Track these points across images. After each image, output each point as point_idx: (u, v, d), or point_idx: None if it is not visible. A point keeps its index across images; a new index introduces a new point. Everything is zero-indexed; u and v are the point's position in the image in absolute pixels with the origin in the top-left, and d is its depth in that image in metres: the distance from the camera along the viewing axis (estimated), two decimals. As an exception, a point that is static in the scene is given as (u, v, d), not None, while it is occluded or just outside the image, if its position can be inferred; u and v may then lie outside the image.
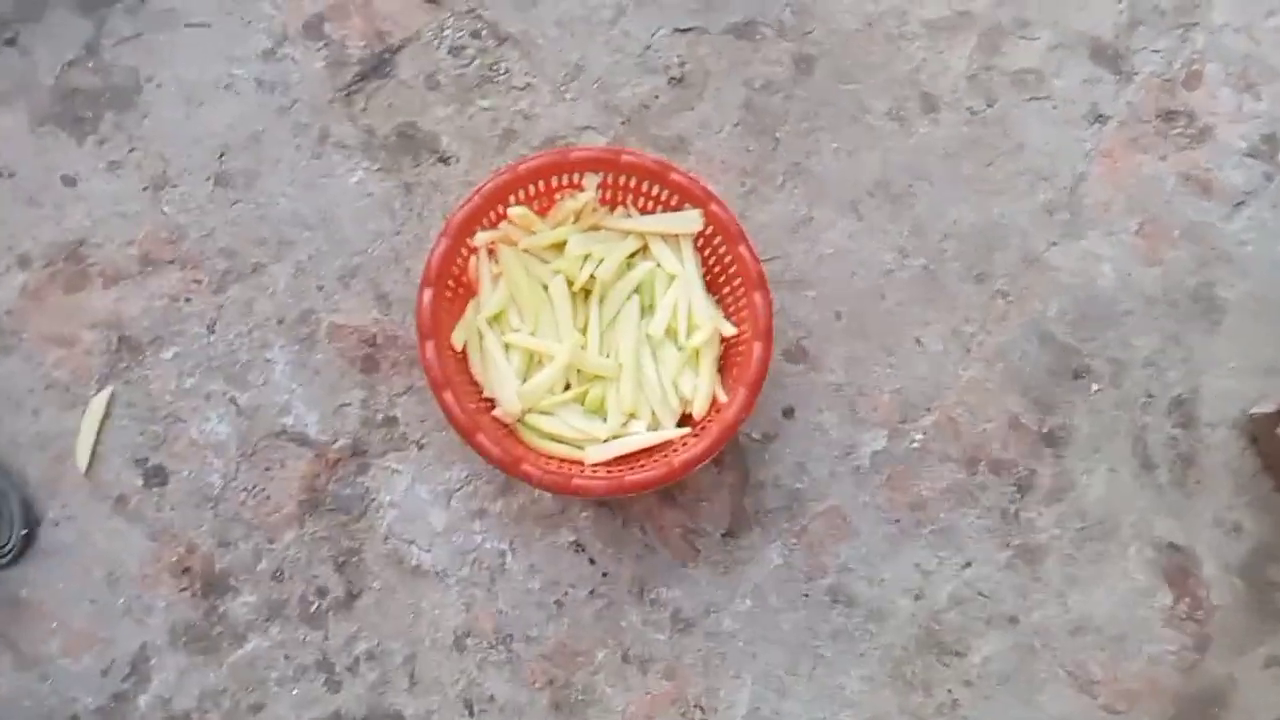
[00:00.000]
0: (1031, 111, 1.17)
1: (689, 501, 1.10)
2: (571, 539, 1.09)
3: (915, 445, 1.12)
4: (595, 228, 1.07)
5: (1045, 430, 1.12)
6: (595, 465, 1.03)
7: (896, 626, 1.09)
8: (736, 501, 1.10)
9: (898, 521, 1.11)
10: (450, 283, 1.03)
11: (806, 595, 1.09)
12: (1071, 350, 1.14)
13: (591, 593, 1.08)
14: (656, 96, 1.16)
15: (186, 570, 1.07)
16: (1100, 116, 1.17)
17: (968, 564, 1.10)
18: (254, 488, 1.08)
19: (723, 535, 1.10)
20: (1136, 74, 1.18)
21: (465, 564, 1.08)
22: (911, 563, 1.10)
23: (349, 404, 1.10)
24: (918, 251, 1.15)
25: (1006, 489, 1.11)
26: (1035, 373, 1.13)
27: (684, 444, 1.02)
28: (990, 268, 1.15)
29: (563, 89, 1.16)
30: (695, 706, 1.07)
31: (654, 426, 1.05)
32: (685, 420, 1.05)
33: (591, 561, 1.09)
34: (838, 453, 1.11)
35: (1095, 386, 1.13)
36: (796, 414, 1.12)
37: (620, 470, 1.01)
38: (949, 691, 1.08)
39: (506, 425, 1.04)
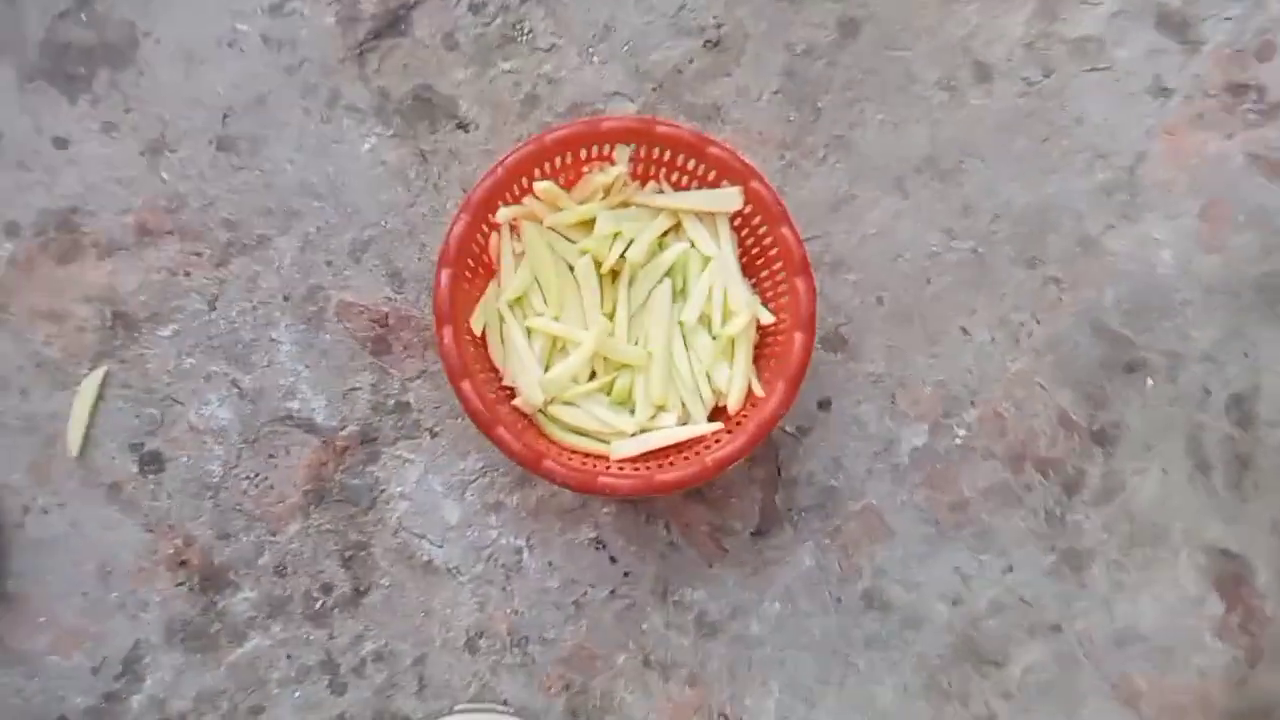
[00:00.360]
0: (1091, 83, 1.07)
1: (717, 498, 1.02)
2: (592, 535, 1.01)
3: (958, 442, 1.03)
4: (625, 204, 0.98)
5: (1096, 427, 1.04)
6: (621, 460, 0.95)
7: (933, 634, 1.01)
8: (767, 498, 1.02)
9: (937, 522, 1.02)
10: (469, 261, 0.94)
11: (839, 599, 1.01)
12: (1126, 342, 1.05)
13: (612, 593, 1.01)
14: (691, 60, 1.06)
15: (184, 563, 0.99)
16: (1164, 90, 1.07)
17: (1010, 568, 1.02)
18: (256, 476, 1.00)
19: (752, 534, 1.02)
20: (1204, 44, 1.08)
21: (479, 561, 1.01)
22: (951, 566, 1.02)
23: (358, 388, 1.01)
24: (966, 233, 1.05)
25: (1053, 489, 1.03)
26: (1087, 366, 1.04)
27: (717, 440, 0.93)
28: (1043, 252, 1.05)
29: (590, 51, 1.06)
30: (720, 715, 0.99)
31: (684, 420, 0.96)
32: (717, 414, 0.97)
33: (613, 560, 1.01)
34: (876, 448, 1.03)
35: (1150, 381, 1.04)
36: (833, 406, 1.03)
37: (648, 467, 0.93)
38: (986, 704, 1.01)
39: (527, 416, 0.96)
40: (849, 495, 1.03)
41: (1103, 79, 1.08)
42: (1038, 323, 1.05)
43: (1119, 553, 1.03)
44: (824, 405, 1.03)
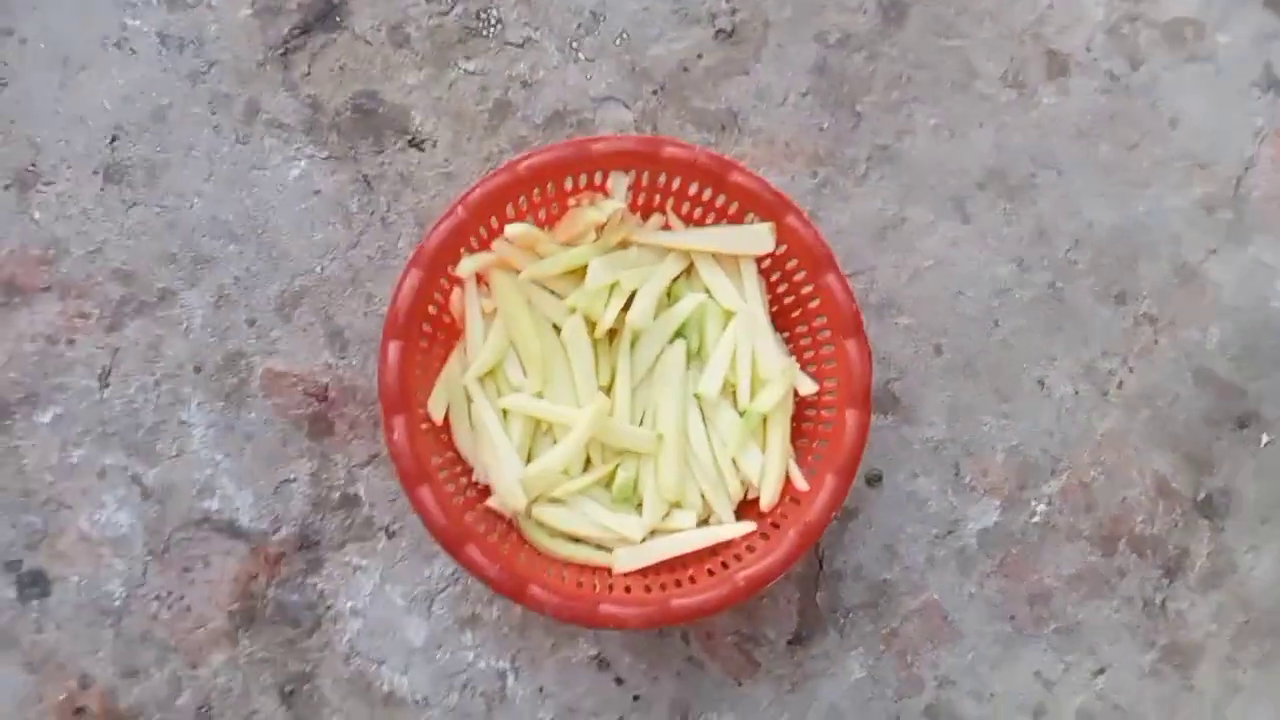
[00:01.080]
0: (1187, 77, 0.84)
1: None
2: (593, 653, 0.79)
3: (1036, 520, 0.82)
4: (624, 244, 0.74)
5: (1201, 496, 0.82)
6: (627, 574, 0.72)
7: (1012, 756, 0.81)
8: (806, 597, 0.80)
9: (1013, 618, 0.81)
10: (425, 327, 0.71)
11: (897, 717, 0.80)
12: (1235, 391, 0.83)
13: None
14: (699, 56, 0.82)
15: (80, 710, 0.76)
16: (1275, 83, 0.84)
17: (1101, 670, 0.81)
18: (169, 596, 0.77)
19: (788, 642, 0.80)
20: (1324, 24, 0.86)
21: (453, 689, 0.78)
22: (1030, 671, 0.81)
23: (293, 479, 0.78)
24: (1041, 264, 0.83)
25: (1152, 574, 0.82)
26: (1190, 421, 0.83)
27: (748, 547, 0.71)
28: (1133, 285, 0.83)
29: (574, 46, 0.82)
30: None
31: (706, 519, 0.74)
32: (747, 508, 0.74)
33: (619, 681, 0.79)
34: (937, 531, 0.81)
35: (1265, 438, 0.83)
36: (885, 481, 0.81)
37: (663, 585, 0.70)
38: (1079, 840, 0.80)
39: (506, 519, 0.73)
40: (906, 590, 0.81)
41: (1202, 71, 0.85)
42: (1130, 371, 0.82)
43: (1232, 647, 0.82)
44: (873, 481, 0.81)
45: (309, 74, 0.81)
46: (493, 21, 0.82)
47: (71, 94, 0.80)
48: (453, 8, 0.82)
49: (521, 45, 0.82)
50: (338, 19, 0.81)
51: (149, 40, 0.80)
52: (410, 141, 0.81)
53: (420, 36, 0.82)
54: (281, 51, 0.81)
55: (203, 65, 0.80)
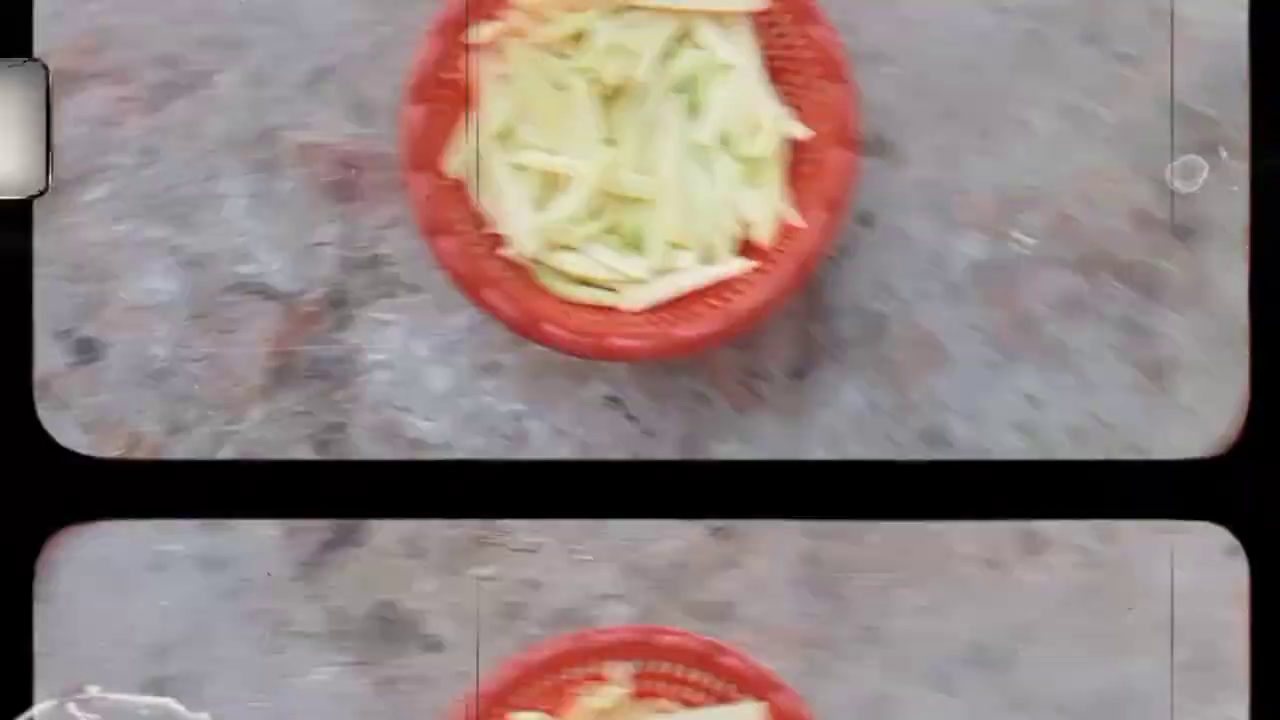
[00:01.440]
0: None
1: (746, 337, 0.99)
2: (606, 393, 1.00)
3: (1022, 251, 1.02)
4: (626, 7, 0.92)
5: (1177, 221, 1.02)
6: (635, 312, 0.93)
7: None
8: (805, 333, 1.01)
9: (1001, 344, 1.02)
10: (444, 93, 0.90)
11: (892, 438, 1.03)
12: (1209, 122, 1.02)
13: (633, 456, 1.01)
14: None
15: (133, 462, 0.93)
16: None
17: (1087, 389, 1.03)
18: (209, 356, 0.99)
19: (790, 375, 1.01)
20: None
21: (476, 432, 1.00)
22: (1021, 392, 1.02)
23: (323, 243, 0.98)
24: (1022, 8, 1.00)
25: (1132, 296, 1.02)
26: (1165, 151, 1.03)
27: (748, 282, 0.91)
28: (1110, 27, 1.01)
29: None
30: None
31: (707, 259, 0.94)
32: (746, 249, 0.94)
33: (631, 418, 1.00)
34: (927, 265, 1.01)
35: (1237, 165, 1.04)
36: (876, 220, 1.00)
37: (668, 320, 0.92)
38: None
39: (520, 266, 0.93)
40: (899, 321, 1.01)
41: None
42: (1108, 108, 1.02)
43: (1207, 359, 1.05)
44: (865, 220, 1.00)
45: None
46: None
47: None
48: None
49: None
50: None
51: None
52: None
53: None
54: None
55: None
